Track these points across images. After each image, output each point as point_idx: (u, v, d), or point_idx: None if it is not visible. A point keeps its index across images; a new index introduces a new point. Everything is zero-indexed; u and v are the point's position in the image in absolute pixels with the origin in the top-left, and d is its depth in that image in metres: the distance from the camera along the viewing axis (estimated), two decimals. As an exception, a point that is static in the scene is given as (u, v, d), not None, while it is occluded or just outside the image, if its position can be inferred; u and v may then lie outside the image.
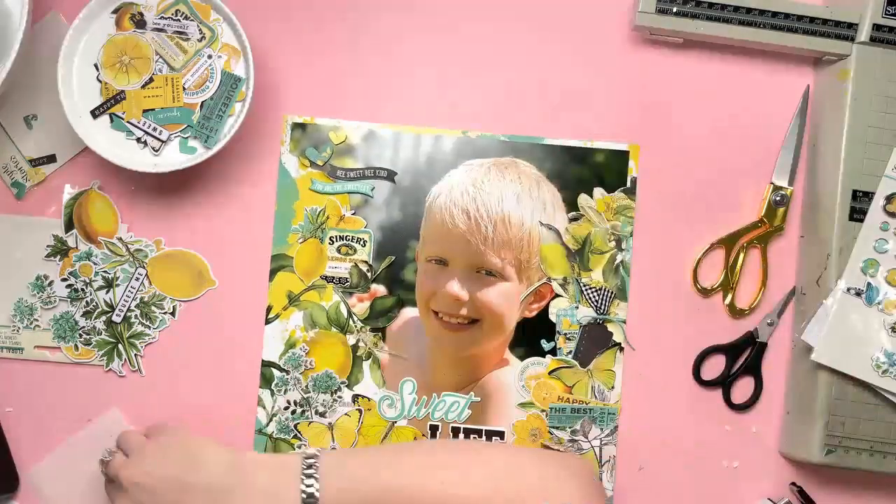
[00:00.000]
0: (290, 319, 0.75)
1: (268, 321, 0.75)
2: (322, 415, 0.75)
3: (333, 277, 0.75)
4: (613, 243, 0.75)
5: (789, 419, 0.74)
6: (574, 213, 0.75)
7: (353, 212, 0.75)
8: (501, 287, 0.75)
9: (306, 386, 0.75)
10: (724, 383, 0.75)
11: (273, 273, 0.75)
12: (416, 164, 0.76)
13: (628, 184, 0.75)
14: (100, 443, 0.75)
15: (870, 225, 0.71)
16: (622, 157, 0.75)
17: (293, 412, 0.75)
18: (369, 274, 0.75)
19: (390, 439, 0.75)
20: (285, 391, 0.75)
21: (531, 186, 0.75)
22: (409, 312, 0.75)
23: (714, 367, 0.76)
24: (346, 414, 0.75)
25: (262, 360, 0.75)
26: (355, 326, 0.75)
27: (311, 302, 0.75)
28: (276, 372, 0.75)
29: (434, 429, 0.75)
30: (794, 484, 0.75)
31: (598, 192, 0.75)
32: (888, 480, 0.75)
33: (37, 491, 0.75)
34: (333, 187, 0.75)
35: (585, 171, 0.75)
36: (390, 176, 0.75)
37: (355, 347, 0.75)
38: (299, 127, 0.76)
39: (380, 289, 0.75)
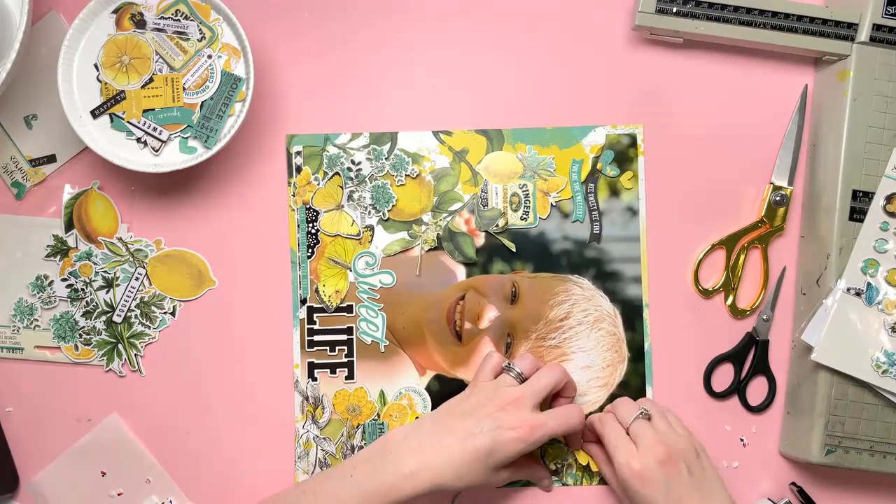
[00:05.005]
0: (440, 153, 0.75)
1: (436, 133, 0.76)
2: (350, 197, 0.76)
3: (486, 192, 0.76)
4: None
5: (789, 419, 0.74)
6: None
7: (555, 203, 0.75)
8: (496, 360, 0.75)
9: (377, 178, 0.75)
10: (737, 390, 0.75)
11: (482, 132, 0.76)
12: (610, 262, 0.75)
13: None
14: (101, 450, 0.75)
15: (870, 225, 0.71)
16: None
17: (349, 168, 0.75)
18: (492, 227, 0.75)
19: (332, 269, 0.75)
20: (374, 158, 0.75)
21: (600, 378, 0.75)
22: (458, 270, 0.75)
23: (724, 374, 0.76)
24: (353, 220, 0.75)
25: (395, 133, 0.76)
26: (440, 221, 0.75)
27: (459, 173, 0.76)
28: (388, 145, 0.75)
29: (347, 307, 0.75)
30: (794, 484, 0.75)
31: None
32: (888, 480, 0.75)
33: (40, 500, 0.75)
34: (576, 183, 0.76)
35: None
36: (595, 237, 0.75)
37: (419, 223, 0.75)
38: (630, 137, 0.75)
39: (479, 240, 0.75)
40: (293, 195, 0.76)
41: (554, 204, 0.76)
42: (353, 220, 0.76)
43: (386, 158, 0.75)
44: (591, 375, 0.75)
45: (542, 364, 0.71)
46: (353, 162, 0.75)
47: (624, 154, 0.76)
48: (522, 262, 0.76)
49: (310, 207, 0.76)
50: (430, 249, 0.76)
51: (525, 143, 0.76)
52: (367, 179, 0.75)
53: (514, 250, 0.75)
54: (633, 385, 0.75)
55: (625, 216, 0.76)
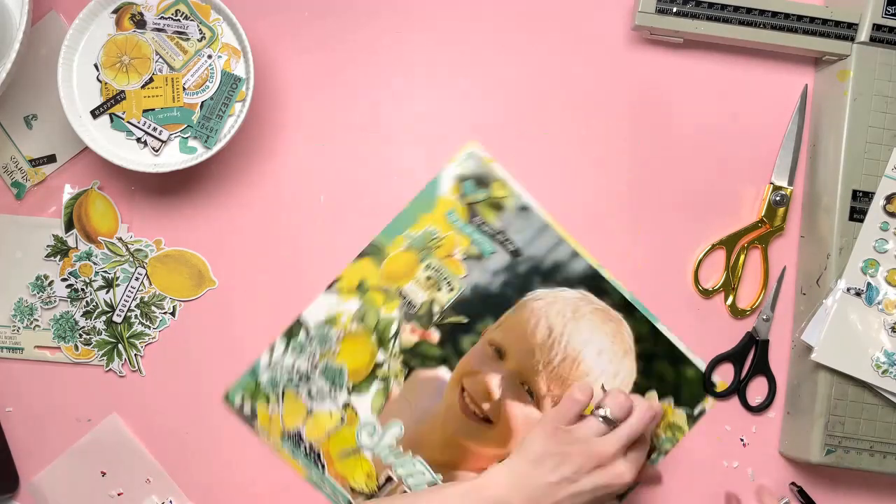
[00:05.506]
0: (347, 301, 0.75)
1: (329, 287, 0.75)
2: (310, 397, 0.74)
3: (406, 296, 0.75)
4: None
5: (789, 419, 0.74)
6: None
7: (463, 257, 0.75)
8: (530, 412, 0.74)
9: (317, 364, 0.74)
10: (737, 390, 0.75)
11: (362, 255, 0.75)
12: (543, 260, 0.75)
13: (695, 411, 0.75)
14: (101, 450, 0.75)
15: (870, 225, 0.71)
16: (699, 375, 0.75)
17: (290, 378, 0.74)
18: (436, 317, 0.75)
19: (348, 462, 0.74)
20: (299, 352, 0.74)
21: (618, 352, 0.75)
22: (441, 372, 0.75)
23: (724, 374, 0.76)
24: (329, 412, 0.74)
25: (299, 317, 0.75)
26: (392, 349, 0.75)
27: (374, 302, 0.75)
28: (303, 333, 0.74)
29: (387, 480, 0.74)
30: (794, 484, 0.75)
31: (669, 401, 0.75)
32: (888, 480, 0.75)
33: (40, 500, 0.75)
34: (463, 227, 0.75)
35: (669, 373, 0.75)
36: (515, 253, 0.75)
37: (378, 365, 0.75)
38: (473, 157, 0.75)
39: (435, 335, 0.75)
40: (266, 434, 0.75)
41: (463, 258, 0.75)
42: (329, 412, 0.74)
43: (310, 343, 0.75)
44: (609, 356, 0.75)
45: (631, 402, 0.68)
46: (291, 371, 0.75)
47: (477, 174, 0.75)
48: (482, 321, 0.75)
49: (293, 434, 0.75)
50: (406, 378, 0.75)
51: (400, 233, 0.75)
52: (312, 373, 0.74)
53: (466, 321, 0.75)
54: (644, 333, 0.75)
55: (521, 217, 0.75)
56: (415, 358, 0.75)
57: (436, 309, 0.75)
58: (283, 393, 0.75)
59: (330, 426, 0.74)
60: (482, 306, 0.75)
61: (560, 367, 0.74)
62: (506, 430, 0.74)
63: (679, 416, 0.75)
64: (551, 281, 0.75)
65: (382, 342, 0.75)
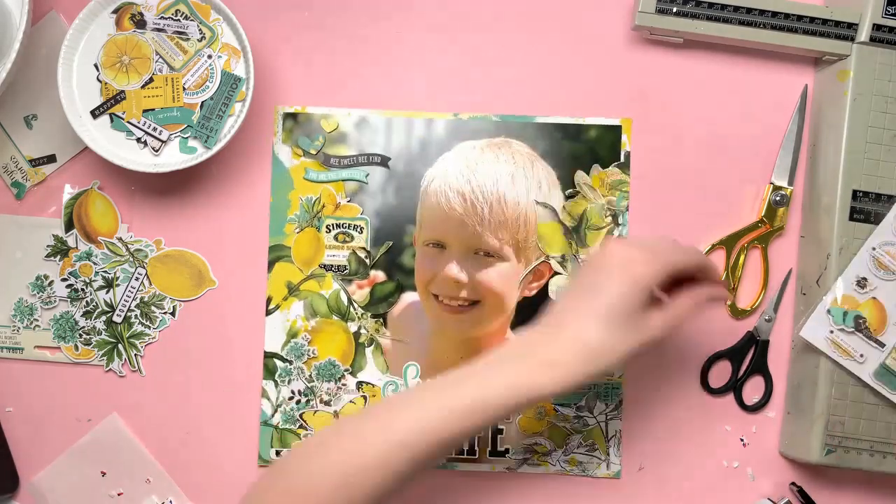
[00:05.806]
0: (290, 309, 0.75)
1: (268, 312, 0.75)
2: (327, 403, 0.75)
3: (332, 265, 0.75)
4: (610, 218, 0.75)
5: (789, 419, 0.74)
6: (570, 190, 0.75)
7: (348, 199, 0.75)
8: (500, 268, 0.74)
9: (310, 375, 0.75)
10: (734, 388, 0.75)
11: (271, 264, 0.75)
12: (410, 148, 0.76)
13: (622, 158, 0.75)
14: (101, 450, 0.75)
15: (886, 226, 0.70)
16: (615, 131, 0.76)
17: (297, 402, 0.75)
18: (367, 260, 0.75)
19: None
20: (289, 381, 0.75)
21: (525, 165, 0.75)
22: (409, 297, 0.75)
23: (721, 371, 0.76)
24: (351, 401, 0.75)
25: (265, 352, 0.75)
26: (356, 313, 0.75)
27: (311, 291, 0.75)
28: (278, 363, 0.75)
29: None
30: (794, 484, 0.75)
31: (594, 168, 0.75)
32: (888, 480, 0.75)
33: (40, 500, 0.75)
34: (328, 175, 0.75)
35: (579, 148, 0.76)
36: (384, 162, 0.75)
37: (357, 335, 0.75)
38: (291, 117, 0.76)
39: (379, 275, 0.75)
40: None
41: (348, 200, 0.76)
42: (351, 401, 0.75)
43: (291, 364, 0.75)
44: (521, 175, 0.74)
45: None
46: (295, 398, 0.75)
47: (301, 127, 0.76)
48: (406, 232, 0.75)
49: None
50: (385, 325, 0.75)
51: (284, 222, 0.75)
52: (312, 385, 0.74)
53: (392, 243, 0.75)
54: (540, 133, 0.75)
55: (364, 129, 0.76)
56: (379, 304, 0.75)
57: (362, 255, 0.75)
58: (303, 419, 0.75)
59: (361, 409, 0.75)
60: (396, 221, 0.75)
61: (492, 215, 0.75)
62: (493, 298, 0.75)
63: (612, 172, 0.75)
64: (429, 157, 0.76)
65: (345, 315, 0.75)
